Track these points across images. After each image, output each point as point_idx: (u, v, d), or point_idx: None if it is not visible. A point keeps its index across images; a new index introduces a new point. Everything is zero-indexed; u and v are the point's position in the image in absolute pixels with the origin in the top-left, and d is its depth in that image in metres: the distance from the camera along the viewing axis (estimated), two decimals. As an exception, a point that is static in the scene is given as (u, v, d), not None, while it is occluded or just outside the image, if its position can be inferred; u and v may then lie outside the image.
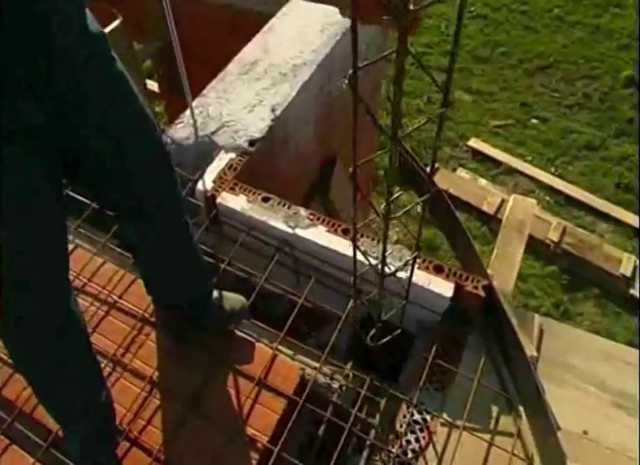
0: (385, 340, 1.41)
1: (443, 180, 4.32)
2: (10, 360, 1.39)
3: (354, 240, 1.16)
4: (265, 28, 2.32)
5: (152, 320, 1.60)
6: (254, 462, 1.34)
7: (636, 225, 4.15)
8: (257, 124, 1.98)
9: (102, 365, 1.50)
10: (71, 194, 1.78)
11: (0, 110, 0.85)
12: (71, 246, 1.76)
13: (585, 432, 1.39)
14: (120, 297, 1.65)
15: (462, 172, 4.57)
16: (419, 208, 4.12)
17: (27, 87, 0.87)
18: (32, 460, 1.37)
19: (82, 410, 1.30)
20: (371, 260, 1.13)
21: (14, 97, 0.86)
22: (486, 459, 1.36)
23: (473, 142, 4.75)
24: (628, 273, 3.85)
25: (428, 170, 0.94)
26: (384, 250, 1.06)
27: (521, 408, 1.44)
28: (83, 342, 1.28)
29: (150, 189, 1.22)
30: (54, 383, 1.22)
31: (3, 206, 0.91)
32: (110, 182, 1.16)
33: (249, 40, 2.27)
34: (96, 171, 1.12)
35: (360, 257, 1.23)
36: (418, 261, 1.57)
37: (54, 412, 1.31)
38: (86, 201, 1.80)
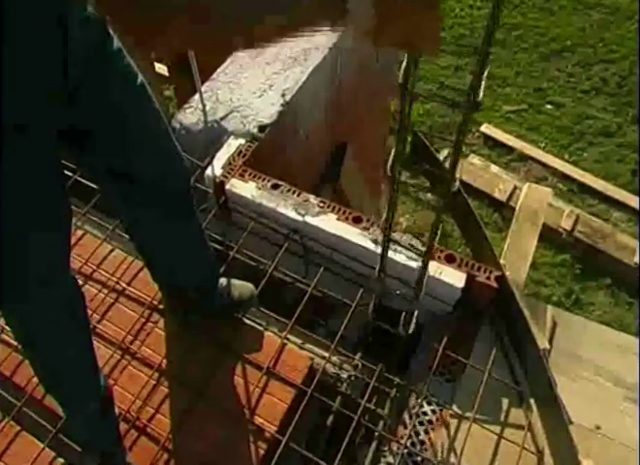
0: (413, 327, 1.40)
1: (455, 166, 4.26)
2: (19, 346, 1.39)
3: (363, 228, 1.13)
4: (275, 11, 2.27)
5: (160, 307, 1.59)
6: (262, 452, 1.34)
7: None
8: (267, 109, 1.95)
9: (110, 353, 1.50)
10: (79, 179, 1.77)
11: (14, 105, 0.85)
12: (79, 232, 1.75)
13: (597, 427, 1.38)
14: (129, 284, 1.64)
15: (473, 159, 4.50)
16: (429, 195, 4.09)
17: (40, 84, 0.88)
18: (41, 446, 1.38)
19: (86, 390, 1.29)
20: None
21: (28, 93, 0.86)
22: (496, 451, 1.35)
23: (485, 128, 4.67)
24: (642, 263, 3.79)
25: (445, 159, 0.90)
26: (431, 245, 1.04)
27: (532, 401, 1.42)
28: (86, 321, 1.28)
29: (154, 166, 1.22)
30: (59, 362, 1.22)
31: (16, 196, 0.92)
32: (115, 161, 1.16)
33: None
34: (100, 151, 1.13)
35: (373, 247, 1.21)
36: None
37: (58, 394, 1.31)
38: (95, 187, 1.78)
